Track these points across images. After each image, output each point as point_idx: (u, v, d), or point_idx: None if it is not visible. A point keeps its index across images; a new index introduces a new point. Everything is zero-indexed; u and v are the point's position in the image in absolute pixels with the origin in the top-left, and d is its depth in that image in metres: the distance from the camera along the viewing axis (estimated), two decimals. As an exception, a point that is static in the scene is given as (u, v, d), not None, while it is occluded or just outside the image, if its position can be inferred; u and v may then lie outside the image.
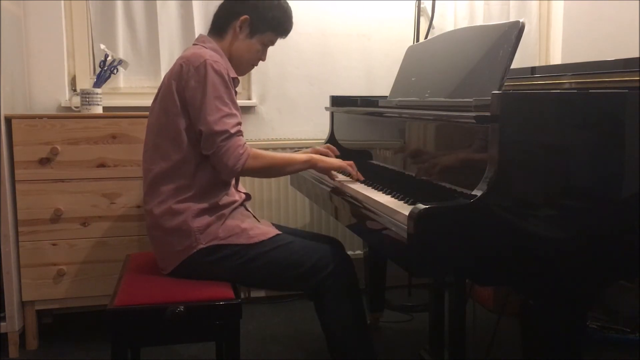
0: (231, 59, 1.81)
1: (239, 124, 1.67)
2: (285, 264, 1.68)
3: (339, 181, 1.83)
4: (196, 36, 2.68)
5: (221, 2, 1.84)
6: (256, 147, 1.71)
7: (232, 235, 1.67)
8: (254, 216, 1.82)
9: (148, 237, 1.77)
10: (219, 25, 1.82)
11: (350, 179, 1.85)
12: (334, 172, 1.87)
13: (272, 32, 1.83)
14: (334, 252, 1.74)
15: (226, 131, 1.61)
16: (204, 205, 1.66)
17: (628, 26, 2.59)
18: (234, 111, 1.66)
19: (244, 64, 1.86)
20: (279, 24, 1.83)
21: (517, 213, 1.20)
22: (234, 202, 1.73)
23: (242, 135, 1.67)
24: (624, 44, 2.60)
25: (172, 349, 2.28)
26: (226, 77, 1.66)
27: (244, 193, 1.83)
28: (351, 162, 1.84)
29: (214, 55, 1.68)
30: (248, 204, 1.85)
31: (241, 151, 1.63)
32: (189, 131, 1.66)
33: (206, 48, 1.75)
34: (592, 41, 2.85)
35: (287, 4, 1.85)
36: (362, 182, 1.80)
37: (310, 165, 1.80)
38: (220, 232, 1.66)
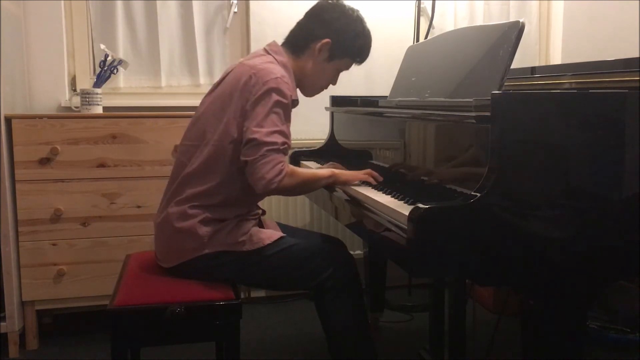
0: (303, 79, 1.79)
1: (288, 144, 1.62)
2: (287, 267, 1.68)
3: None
4: (196, 35, 2.74)
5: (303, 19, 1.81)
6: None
7: (238, 242, 1.66)
8: (260, 219, 1.82)
9: (154, 232, 1.75)
10: (297, 43, 1.78)
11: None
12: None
13: (350, 59, 1.82)
14: (336, 253, 1.73)
15: (275, 143, 1.57)
16: (216, 216, 1.65)
17: (628, 26, 2.59)
18: (287, 132, 1.62)
19: (316, 87, 1.84)
20: (360, 52, 1.82)
21: (517, 213, 1.20)
22: (245, 214, 1.72)
23: (286, 154, 1.62)
24: (624, 44, 2.60)
25: (172, 349, 2.28)
26: (289, 100, 1.63)
27: (261, 209, 1.83)
28: (369, 171, 1.79)
29: (284, 76, 1.64)
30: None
31: (282, 167, 1.57)
32: (235, 144, 1.62)
33: (277, 62, 1.71)
34: (592, 41, 2.85)
35: (369, 31, 1.84)
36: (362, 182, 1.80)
37: (333, 180, 1.75)
38: (227, 239, 1.66)
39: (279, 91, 1.59)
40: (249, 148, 1.57)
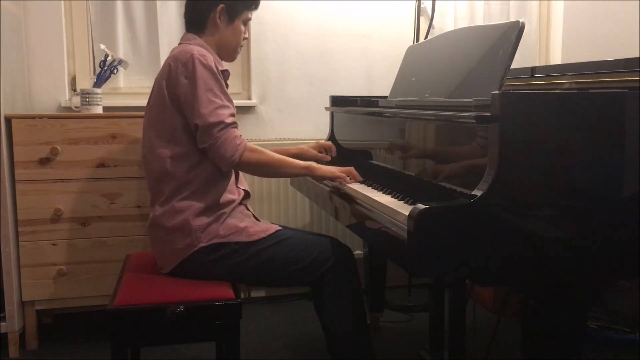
0: (221, 48, 1.83)
1: (233, 115, 1.68)
2: (286, 259, 1.69)
3: (339, 181, 1.83)
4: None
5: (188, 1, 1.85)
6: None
7: (232, 233, 1.68)
8: (254, 216, 1.83)
9: (148, 236, 1.77)
10: (197, 22, 1.82)
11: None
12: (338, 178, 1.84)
13: (248, 10, 1.86)
14: (333, 246, 1.74)
15: (222, 122, 1.63)
16: (205, 204, 1.67)
17: (628, 26, 2.59)
18: (227, 103, 1.67)
19: (232, 49, 1.88)
20: (251, 0, 1.86)
21: (516, 213, 1.20)
22: (234, 200, 1.74)
23: (237, 127, 1.67)
24: (624, 44, 2.60)
25: (172, 349, 2.28)
26: (215, 69, 1.67)
27: (244, 190, 1.83)
28: (350, 169, 1.81)
29: (200, 50, 1.70)
30: (248, 204, 1.85)
31: (238, 142, 1.64)
32: (186, 128, 1.67)
33: (192, 45, 1.75)
34: (592, 41, 2.85)
35: None
36: (362, 182, 1.80)
37: (308, 172, 1.78)
38: (220, 230, 1.67)
39: (199, 65, 1.64)
40: (200, 135, 1.64)
